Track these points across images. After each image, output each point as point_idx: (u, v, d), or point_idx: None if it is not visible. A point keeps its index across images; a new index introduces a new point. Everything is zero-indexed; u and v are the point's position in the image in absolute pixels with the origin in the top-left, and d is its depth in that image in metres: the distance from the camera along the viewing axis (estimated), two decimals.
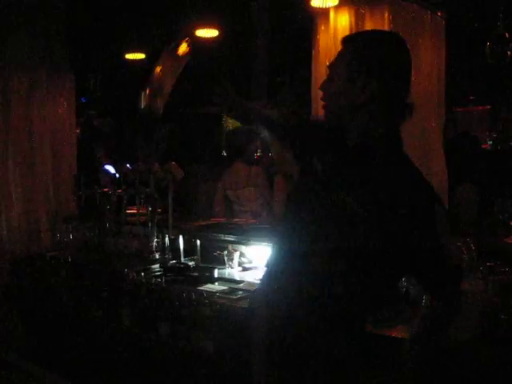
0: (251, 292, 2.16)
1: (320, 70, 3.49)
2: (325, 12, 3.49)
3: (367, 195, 1.59)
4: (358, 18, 3.36)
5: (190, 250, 3.41)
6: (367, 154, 1.67)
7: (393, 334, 2.21)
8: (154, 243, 3.58)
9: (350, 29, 3.37)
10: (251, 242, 3.31)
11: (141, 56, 5.59)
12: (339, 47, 1.71)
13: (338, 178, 1.68)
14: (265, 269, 1.89)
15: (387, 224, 1.56)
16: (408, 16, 3.29)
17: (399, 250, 1.60)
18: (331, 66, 1.76)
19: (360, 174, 1.65)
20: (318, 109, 3.51)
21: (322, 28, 3.52)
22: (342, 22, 3.43)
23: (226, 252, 3.28)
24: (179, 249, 3.40)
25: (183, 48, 3.38)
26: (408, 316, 2.31)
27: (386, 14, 3.25)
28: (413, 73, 3.15)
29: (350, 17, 3.39)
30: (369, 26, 3.34)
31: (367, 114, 1.68)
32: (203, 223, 3.90)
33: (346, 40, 1.78)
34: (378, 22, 3.30)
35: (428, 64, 3.33)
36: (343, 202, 1.61)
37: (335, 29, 3.45)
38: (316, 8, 3.48)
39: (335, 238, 1.62)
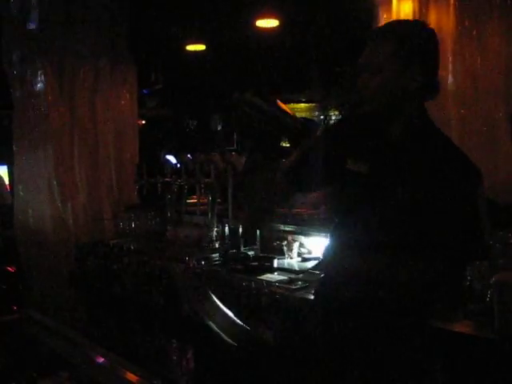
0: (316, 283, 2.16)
1: None
2: (387, 0, 3.42)
3: (423, 183, 1.66)
4: (422, 5, 3.27)
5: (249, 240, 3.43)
6: (415, 143, 1.73)
7: (456, 328, 2.17)
8: (214, 232, 3.62)
9: (414, 17, 3.27)
10: (311, 233, 3.30)
11: (201, 47, 5.65)
12: None
13: (391, 171, 1.73)
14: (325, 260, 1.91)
15: (443, 208, 1.65)
16: (475, 2, 3.17)
17: (451, 231, 1.67)
18: (367, 61, 1.75)
19: (413, 162, 1.70)
20: None
21: (385, 16, 3.44)
22: (405, 10, 3.34)
23: (285, 242, 3.28)
24: (239, 238, 3.42)
25: None
26: (472, 311, 2.26)
27: (452, 0, 3.14)
28: (478, 63, 3.05)
29: (413, 4, 3.30)
30: (433, 13, 3.23)
31: (416, 100, 1.73)
32: None
33: (383, 32, 1.79)
34: (443, 8, 3.19)
35: (495, 53, 3.19)
36: (402, 194, 1.67)
37: (398, 17, 3.36)
38: None
39: (397, 227, 1.69)
